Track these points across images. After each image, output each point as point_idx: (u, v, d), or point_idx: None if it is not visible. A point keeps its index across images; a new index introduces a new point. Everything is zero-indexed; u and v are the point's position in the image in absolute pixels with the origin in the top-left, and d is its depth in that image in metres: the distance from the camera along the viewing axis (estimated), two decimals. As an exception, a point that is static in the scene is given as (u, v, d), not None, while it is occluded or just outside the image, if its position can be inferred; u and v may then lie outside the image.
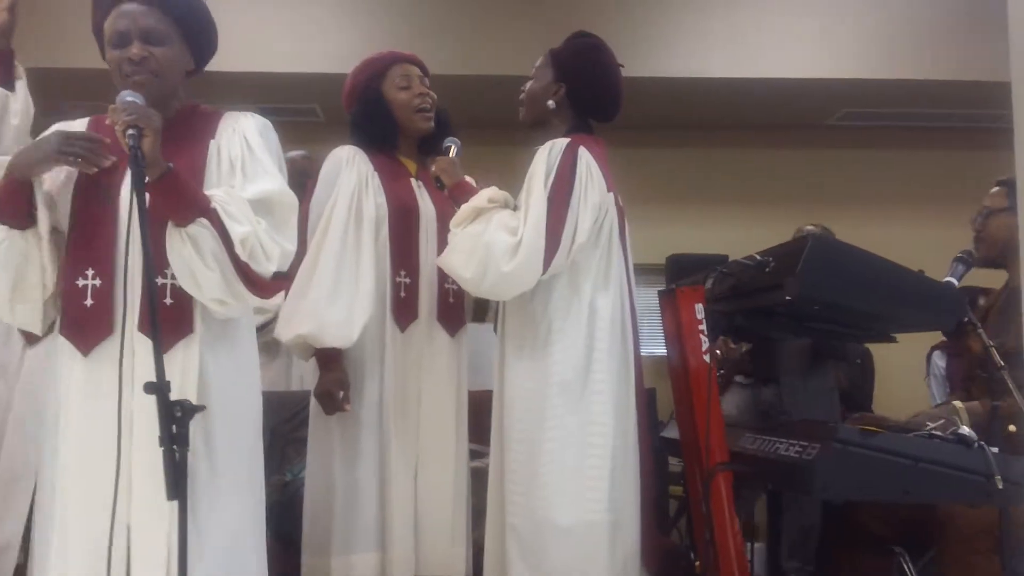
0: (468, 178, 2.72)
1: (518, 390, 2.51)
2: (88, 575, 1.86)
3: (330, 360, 2.57)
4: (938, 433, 2.26)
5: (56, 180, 1.98)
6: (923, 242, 5.75)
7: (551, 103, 2.62)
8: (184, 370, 1.92)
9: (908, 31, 5.24)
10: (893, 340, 2.80)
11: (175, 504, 1.66)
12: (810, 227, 4.30)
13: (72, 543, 1.88)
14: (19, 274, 1.94)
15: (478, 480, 2.77)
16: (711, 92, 5.41)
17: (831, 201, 5.99)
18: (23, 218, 1.92)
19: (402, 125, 2.77)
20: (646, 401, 2.63)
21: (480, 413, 2.77)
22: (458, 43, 5.09)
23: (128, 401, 1.86)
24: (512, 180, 2.57)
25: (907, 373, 4.30)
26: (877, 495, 2.34)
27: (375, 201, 2.67)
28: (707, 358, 2.52)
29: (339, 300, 2.54)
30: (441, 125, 2.82)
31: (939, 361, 4.00)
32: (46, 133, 1.98)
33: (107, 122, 1.85)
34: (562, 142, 2.51)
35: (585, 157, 2.50)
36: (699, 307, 2.55)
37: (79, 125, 2.06)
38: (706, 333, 2.53)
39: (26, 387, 2.89)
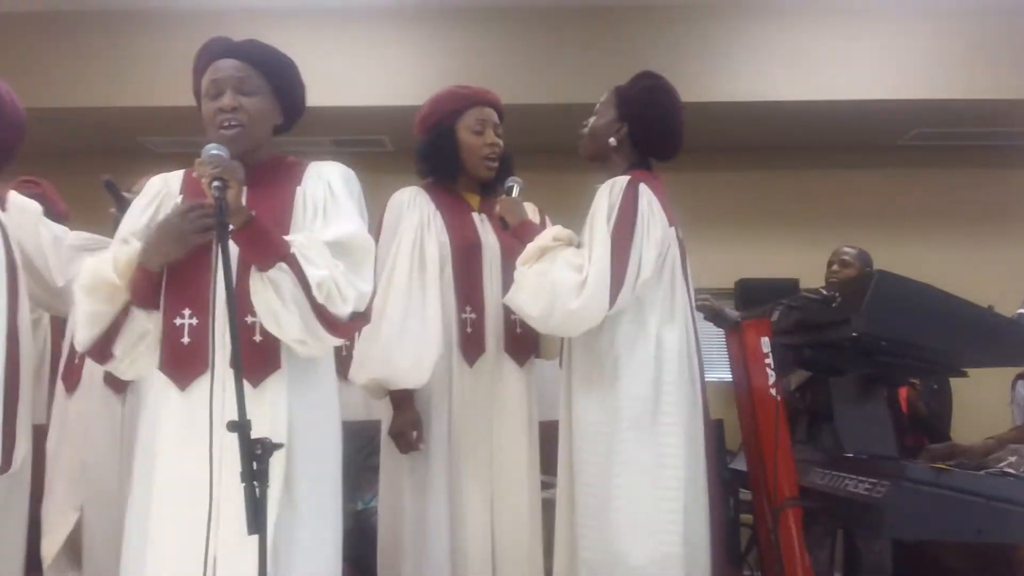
0: (531, 206, 2.77)
1: (587, 425, 2.54)
2: None
3: (403, 400, 2.63)
4: (1011, 471, 2.23)
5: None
6: (999, 263, 5.65)
7: (613, 141, 2.65)
8: (273, 404, 2.00)
9: (981, 49, 5.15)
10: (964, 375, 2.76)
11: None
12: (848, 249, 4.23)
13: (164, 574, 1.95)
14: (138, 339, 2.06)
15: (545, 511, 2.80)
16: (779, 114, 5.37)
17: (902, 222, 5.89)
18: (152, 303, 2.04)
19: (466, 167, 2.83)
20: (713, 432, 2.65)
21: (544, 443, 2.81)
22: (527, 73, 5.15)
23: (219, 436, 1.90)
24: (580, 207, 2.61)
25: (989, 399, 4.21)
26: (949, 535, 2.32)
27: (438, 240, 2.73)
28: (774, 392, 2.52)
29: (408, 342, 2.60)
30: (503, 164, 2.87)
31: (1023, 390, 3.93)
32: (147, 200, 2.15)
33: (194, 175, 1.95)
34: (623, 180, 2.55)
35: (646, 194, 2.53)
36: (765, 340, 2.56)
37: (175, 178, 2.19)
38: (772, 366, 2.53)
39: (72, 435, 2.99)
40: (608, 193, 2.53)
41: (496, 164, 2.85)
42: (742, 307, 3.86)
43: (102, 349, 2.07)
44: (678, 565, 2.42)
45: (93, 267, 2.06)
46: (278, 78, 2.18)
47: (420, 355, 2.60)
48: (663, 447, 2.46)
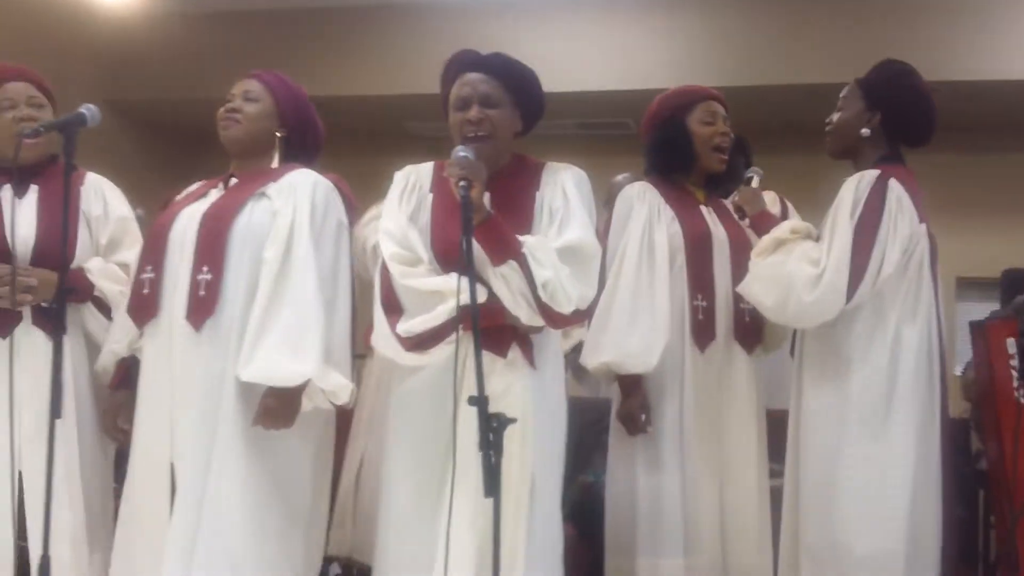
0: (771, 195, 2.78)
1: (816, 416, 2.55)
2: (417, 562, 2.17)
3: (632, 385, 2.74)
4: None
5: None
6: None
7: (865, 131, 2.61)
8: (508, 383, 2.21)
9: None
10: None
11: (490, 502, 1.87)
12: None
13: (408, 537, 2.20)
14: None
15: (772, 499, 2.82)
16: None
17: None
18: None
19: (698, 160, 2.88)
20: (952, 432, 2.57)
21: (773, 431, 2.83)
22: (771, 54, 5.07)
23: (461, 411, 2.11)
24: (825, 189, 2.61)
25: None
26: None
27: (668, 231, 2.80)
28: (1018, 396, 2.41)
29: (637, 329, 2.69)
30: (737, 154, 2.90)
31: None
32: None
33: (444, 174, 2.17)
34: (871, 174, 2.52)
35: (896, 190, 2.49)
36: (1011, 341, 2.45)
37: (425, 170, 2.41)
38: (1017, 370, 2.42)
39: None
40: (855, 187, 2.50)
41: (726, 157, 2.89)
42: (1007, 300, 3.64)
43: None
44: (899, 562, 2.40)
45: None
46: (520, 91, 2.36)
47: (649, 341, 2.69)
48: (892, 446, 2.43)
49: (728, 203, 2.94)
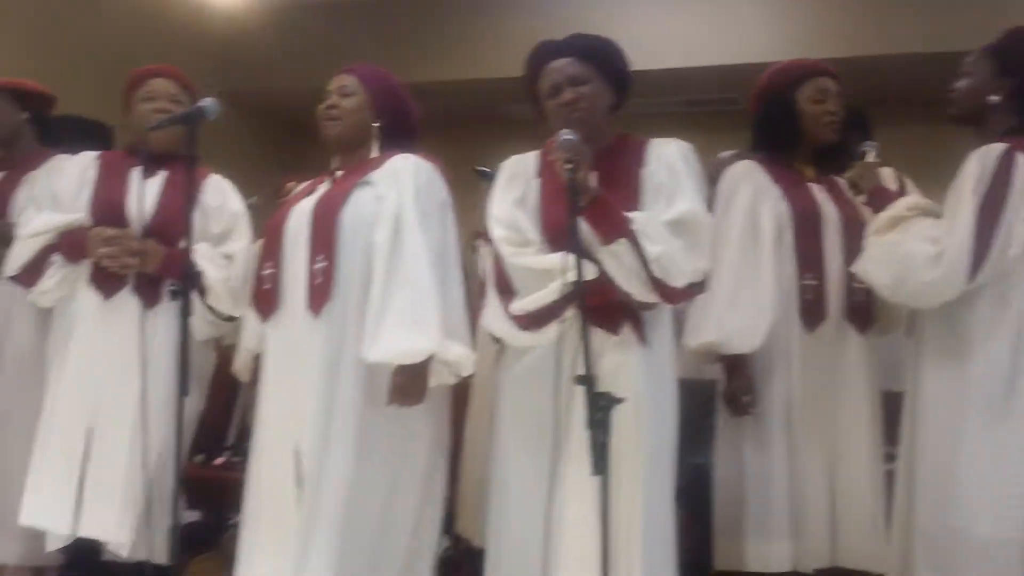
0: (888, 171, 2.70)
1: (934, 398, 2.48)
2: (530, 540, 2.21)
3: (736, 365, 2.72)
4: None
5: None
6: None
7: (994, 98, 2.49)
8: (620, 361, 2.23)
9: None
10: None
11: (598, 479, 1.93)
12: None
13: (520, 517, 2.25)
14: None
15: (888, 484, 2.76)
16: None
17: None
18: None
19: (807, 135, 2.83)
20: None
21: (889, 414, 2.77)
22: (885, 23, 4.90)
23: (566, 389, 2.16)
24: (950, 160, 2.51)
25: None
26: None
27: (774, 209, 2.76)
28: None
29: (740, 308, 2.68)
30: (855, 128, 2.83)
31: None
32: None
33: (549, 158, 2.19)
34: (998, 147, 2.40)
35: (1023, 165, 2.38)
36: None
37: (531, 158, 2.46)
38: None
39: None
40: (980, 161, 2.39)
41: (836, 134, 2.83)
42: None
43: None
44: (1016, 551, 2.32)
45: None
46: (604, 63, 2.39)
47: (752, 321, 2.67)
48: (1015, 431, 2.34)
49: (842, 179, 2.87)
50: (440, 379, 2.35)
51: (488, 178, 3.06)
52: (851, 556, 2.71)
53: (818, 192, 2.83)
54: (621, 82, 2.45)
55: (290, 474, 2.37)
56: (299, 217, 2.49)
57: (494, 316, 2.33)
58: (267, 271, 2.51)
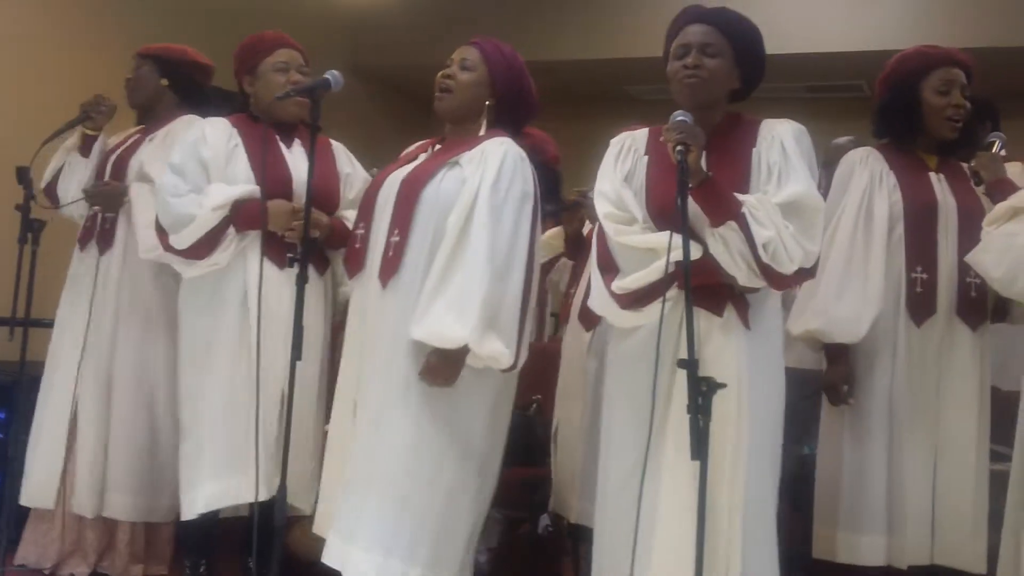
0: (1017, 166, 2.60)
1: None
2: (627, 524, 2.18)
3: (837, 354, 2.69)
4: None
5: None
6: None
7: None
8: (722, 345, 2.19)
9: None
10: None
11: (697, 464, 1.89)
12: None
13: (627, 500, 2.20)
14: None
15: (997, 484, 2.69)
16: None
17: None
18: None
19: (928, 128, 2.76)
20: None
21: (1003, 413, 2.69)
22: (1015, 14, 4.66)
23: (668, 372, 2.16)
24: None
25: None
26: None
27: (889, 199, 2.70)
28: None
29: (846, 297, 2.63)
30: (985, 119, 2.72)
31: None
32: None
33: (660, 139, 2.17)
34: None
35: None
36: None
37: (641, 136, 2.40)
38: None
39: None
40: None
41: (959, 125, 2.74)
42: None
43: None
44: None
45: None
46: (741, 46, 2.31)
47: (858, 311, 2.63)
48: None
49: (966, 168, 2.78)
50: (486, 363, 2.37)
51: None
52: (950, 556, 2.65)
53: (938, 182, 2.76)
54: (751, 70, 2.36)
55: (350, 426, 2.48)
56: (389, 187, 2.54)
57: (597, 295, 2.32)
58: (359, 231, 2.58)
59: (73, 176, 3.23)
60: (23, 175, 3.02)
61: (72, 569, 3.20)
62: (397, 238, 2.45)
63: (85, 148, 3.21)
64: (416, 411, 2.38)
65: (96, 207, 3.19)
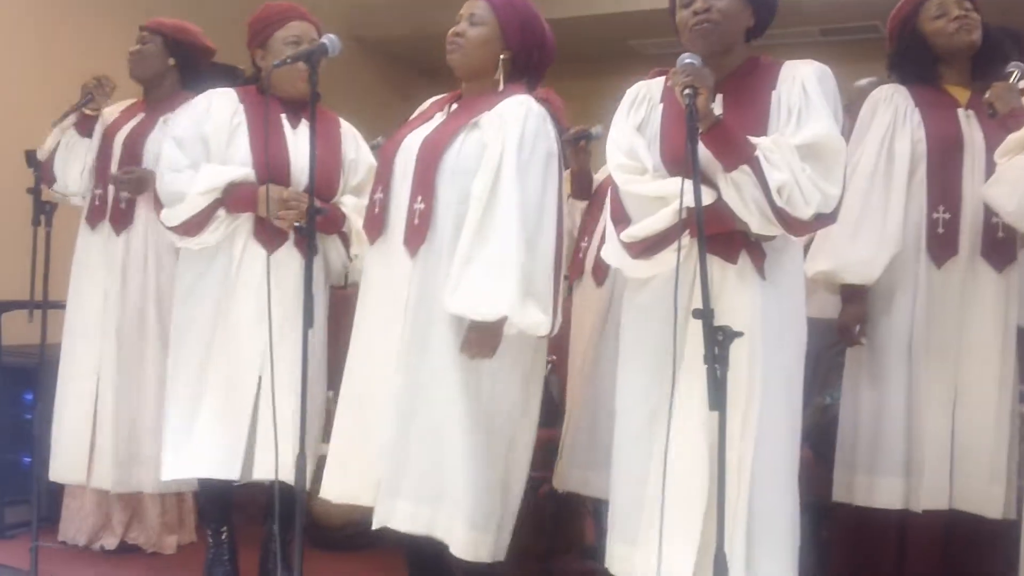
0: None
1: None
2: (644, 475, 2.19)
3: (852, 295, 2.66)
4: None
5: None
6: None
7: None
8: (736, 293, 2.14)
9: None
10: None
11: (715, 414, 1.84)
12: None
13: (642, 452, 2.20)
14: None
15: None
16: None
17: None
18: None
19: (942, 54, 2.70)
20: None
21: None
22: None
23: (683, 323, 2.09)
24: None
25: None
26: None
27: (912, 137, 2.65)
28: None
29: (861, 238, 2.60)
30: (1013, 49, 2.65)
31: None
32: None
33: (667, 84, 2.11)
34: None
35: None
36: None
37: (656, 84, 2.33)
38: None
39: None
40: None
41: (972, 29, 2.66)
42: None
43: None
44: None
45: None
46: None
47: (873, 252, 2.60)
48: None
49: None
50: (522, 330, 2.35)
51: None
52: (967, 500, 2.62)
53: (966, 119, 2.70)
54: (765, 6, 2.25)
55: (379, 393, 2.45)
56: (407, 151, 2.50)
57: (609, 246, 2.29)
58: (377, 196, 2.54)
59: (72, 155, 3.22)
60: (32, 158, 3.03)
61: (104, 542, 3.29)
62: (422, 205, 2.41)
63: (82, 127, 3.21)
64: (452, 383, 2.37)
65: (125, 193, 3.18)
